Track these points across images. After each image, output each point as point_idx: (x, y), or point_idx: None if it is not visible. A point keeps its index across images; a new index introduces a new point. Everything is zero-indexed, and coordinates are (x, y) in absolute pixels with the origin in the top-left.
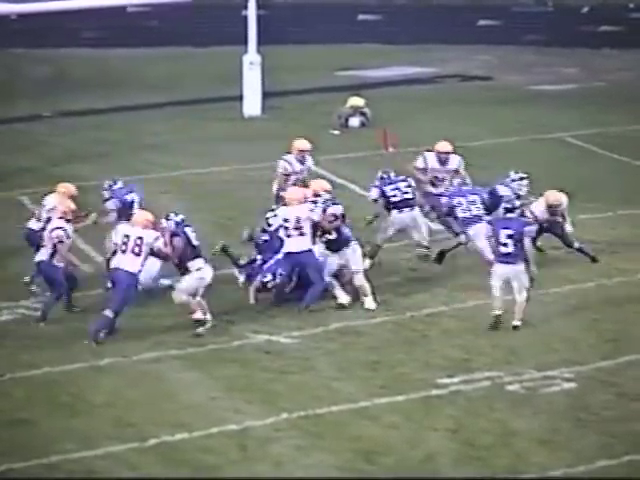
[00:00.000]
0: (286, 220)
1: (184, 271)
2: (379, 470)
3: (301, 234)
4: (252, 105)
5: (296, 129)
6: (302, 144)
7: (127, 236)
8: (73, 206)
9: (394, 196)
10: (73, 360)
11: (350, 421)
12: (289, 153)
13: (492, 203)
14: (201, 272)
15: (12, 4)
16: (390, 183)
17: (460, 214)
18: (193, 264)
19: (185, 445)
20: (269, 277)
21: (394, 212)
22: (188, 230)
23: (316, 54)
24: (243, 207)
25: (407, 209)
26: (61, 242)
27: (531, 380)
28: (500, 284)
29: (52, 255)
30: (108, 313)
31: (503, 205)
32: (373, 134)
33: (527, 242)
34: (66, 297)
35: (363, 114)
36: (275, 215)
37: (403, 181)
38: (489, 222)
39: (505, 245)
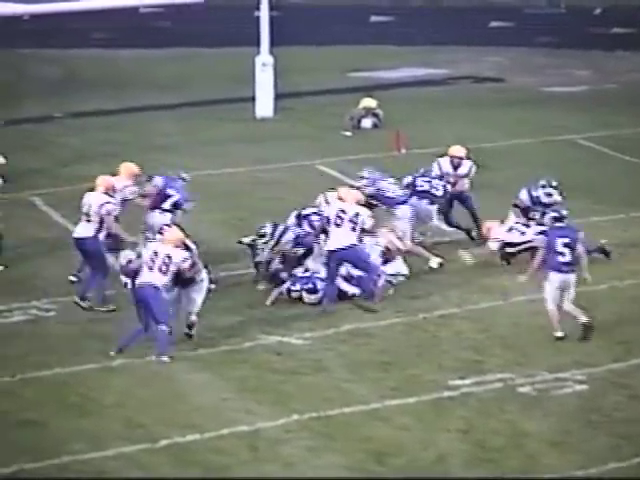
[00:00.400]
0: (343, 211)
1: (189, 281)
2: (390, 471)
3: (353, 229)
4: (264, 106)
5: (308, 130)
6: (456, 150)
7: (156, 253)
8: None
9: (421, 186)
10: (84, 361)
11: (361, 422)
12: (444, 156)
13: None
14: (205, 281)
15: (26, 4)
16: (424, 176)
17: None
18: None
19: (196, 446)
20: (299, 287)
21: (414, 198)
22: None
23: (328, 55)
24: (254, 208)
25: (426, 201)
26: (109, 215)
27: (543, 382)
28: (555, 295)
29: (98, 230)
30: (164, 328)
31: (551, 214)
32: (385, 135)
33: (581, 248)
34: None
35: (375, 115)
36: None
37: (439, 179)
38: (543, 232)
39: (562, 254)
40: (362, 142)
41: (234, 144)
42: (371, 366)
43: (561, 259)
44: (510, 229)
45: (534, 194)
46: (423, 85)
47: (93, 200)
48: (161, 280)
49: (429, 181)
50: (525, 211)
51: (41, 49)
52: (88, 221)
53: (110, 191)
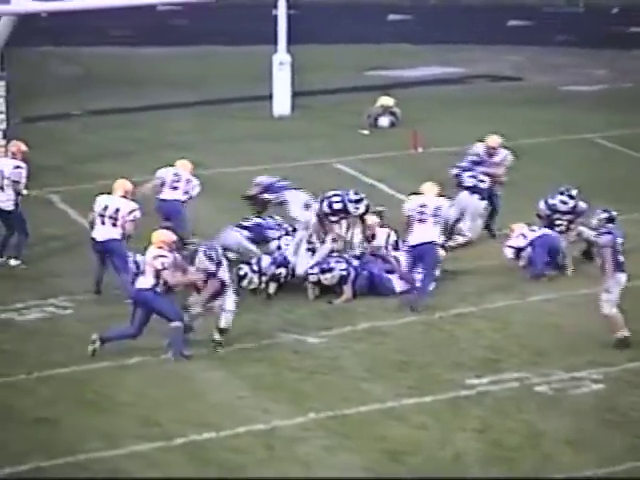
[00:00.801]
0: (423, 205)
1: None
2: (406, 470)
3: (435, 223)
4: (281, 104)
5: (325, 129)
6: (492, 140)
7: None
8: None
9: (468, 182)
10: (100, 359)
11: (378, 421)
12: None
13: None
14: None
15: (43, 2)
16: (466, 170)
17: None
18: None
19: (212, 444)
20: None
21: (465, 193)
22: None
23: (346, 54)
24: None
25: (477, 196)
26: (134, 222)
27: (559, 381)
28: (618, 296)
29: (123, 235)
30: (177, 324)
31: (602, 215)
32: (402, 134)
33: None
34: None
35: (393, 114)
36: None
37: (478, 165)
38: (608, 232)
39: (622, 254)
40: (379, 141)
41: (250, 142)
42: (387, 365)
43: (621, 259)
44: (519, 235)
45: (550, 202)
46: (441, 84)
47: (121, 205)
48: (149, 282)
49: (474, 176)
50: (549, 220)
51: (58, 47)
52: (114, 225)
53: (128, 195)
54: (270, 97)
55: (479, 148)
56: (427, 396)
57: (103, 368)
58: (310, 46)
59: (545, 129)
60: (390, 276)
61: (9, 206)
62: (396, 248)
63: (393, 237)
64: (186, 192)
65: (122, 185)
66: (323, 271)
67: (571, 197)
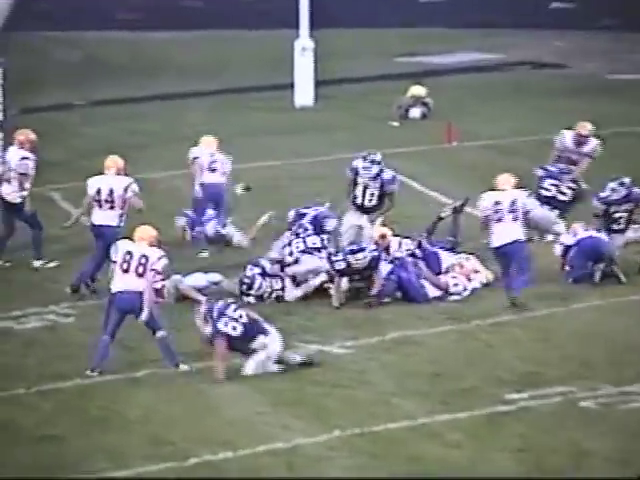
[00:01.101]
0: (497, 203)
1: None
2: None
3: (515, 219)
4: (304, 94)
5: (351, 120)
6: (582, 127)
7: (130, 253)
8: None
9: (548, 190)
10: (107, 371)
11: (408, 439)
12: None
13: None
14: (269, 345)
15: None
16: (551, 177)
17: None
18: (257, 343)
19: (229, 465)
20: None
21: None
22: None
23: (374, 39)
24: (293, 205)
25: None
26: (136, 195)
27: (606, 396)
28: None
29: (121, 216)
30: (163, 334)
31: None
32: (435, 126)
33: None
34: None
35: (425, 104)
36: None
37: (566, 173)
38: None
39: None
40: (410, 133)
41: (270, 135)
42: (419, 378)
43: None
44: (572, 232)
45: (602, 195)
46: (477, 71)
47: (114, 184)
48: (139, 285)
49: (556, 185)
50: (607, 217)
51: (60, 31)
52: (112, 207)
53: (122, 172)
54: (291, 86)
55: (567, 137)
56: (462, 412)
57: (110, 381)
58: (335, 30)
59: (592, 121)
60: (422, 281)
61: (15, 199)
62: (412, 255)
63: (406, 245)
64: (224, 173)
65: (114, 162)
66: (353, 252)
67: (622, 184)
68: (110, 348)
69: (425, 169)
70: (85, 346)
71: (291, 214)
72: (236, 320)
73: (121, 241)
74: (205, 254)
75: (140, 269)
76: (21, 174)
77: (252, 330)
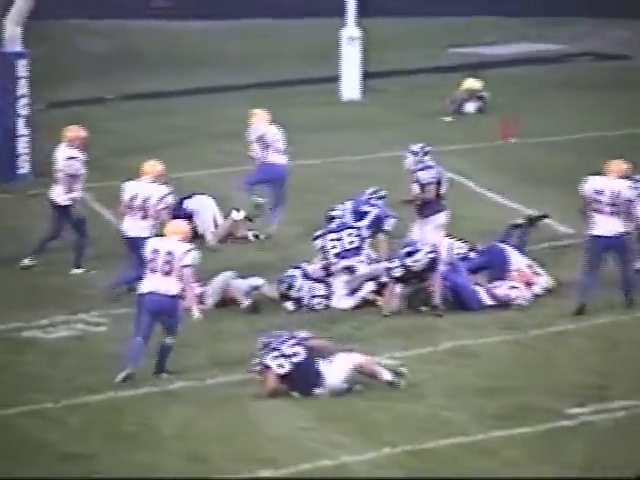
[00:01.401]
0: (599, 192)
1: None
2: None
3: (613, 213)
4: (351, 87)
5: (401, 115)
6: None
7: (156, 251)
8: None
9: None
10: (139, 384)
11: (462, 456)
12: None
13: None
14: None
15: None
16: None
17: None
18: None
19: None
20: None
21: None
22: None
23: (425, 28)
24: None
25: None
26: (167, 209)
27: None
28: None
29: (153, 228)
30: (172, 341)
31: None
32: (491, 122)
33: None
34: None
35: (480, 98)
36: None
37: None
38: None
39: None
40: (464, 130)
41: (314, 131)
42: (473, 391)
43: None
44: None
45: None
46: (536, 63)
47: (151, 192)
48: (174, 286)
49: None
50: None
51: (90, 20)
52: (144, 217)
53: (159, 180)
54: (337, 79)
55: None
56: (519, 427)
57: (142, 395)
58: (384, 19)
59: None
60: (478, 288)
61: (64, 201)
62: (464, 258)
63: (459, 247)
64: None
65: (152, 168)
66: (409, 254)
67: None
68: (142, 357)
69: (480, 167)
70: (116, 357)
71: (347, 206)
72: (288, 357)
73: (151, 239)
74: (261, 200)
75: (166, 267)
76: (68, 175)
77: (307, 370)
